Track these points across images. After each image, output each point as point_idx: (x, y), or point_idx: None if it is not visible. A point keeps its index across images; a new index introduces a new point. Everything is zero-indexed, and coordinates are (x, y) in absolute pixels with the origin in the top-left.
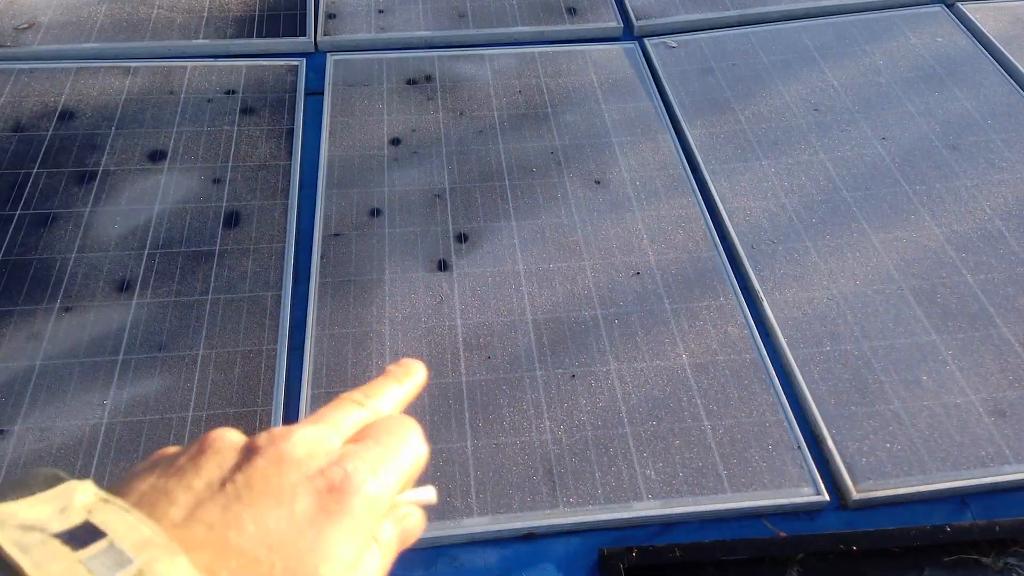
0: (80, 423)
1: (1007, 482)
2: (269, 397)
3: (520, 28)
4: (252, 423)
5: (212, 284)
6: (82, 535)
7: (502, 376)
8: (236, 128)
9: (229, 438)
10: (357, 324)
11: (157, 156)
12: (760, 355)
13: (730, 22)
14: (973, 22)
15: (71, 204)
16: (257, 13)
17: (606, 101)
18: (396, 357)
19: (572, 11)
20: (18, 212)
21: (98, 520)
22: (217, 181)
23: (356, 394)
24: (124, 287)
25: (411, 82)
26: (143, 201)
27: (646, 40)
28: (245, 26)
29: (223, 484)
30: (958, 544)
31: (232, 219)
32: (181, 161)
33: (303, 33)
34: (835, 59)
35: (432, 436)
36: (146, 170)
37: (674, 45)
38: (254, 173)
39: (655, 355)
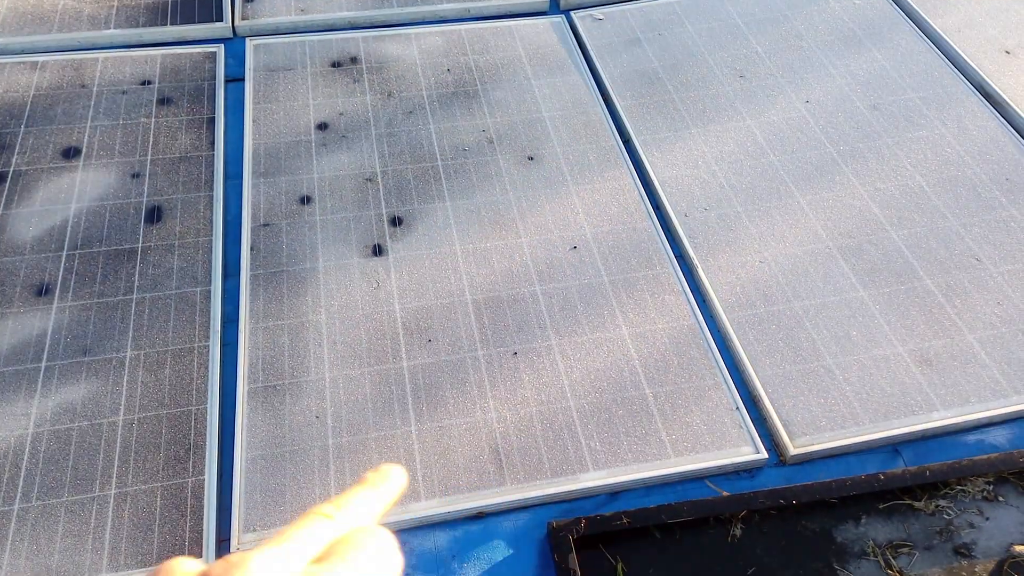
0: (4, 435)
1: (936, 428)
2: (203, 395)
3: (445, 6)
4: (187, 424)
5: (137, 283)
6: None
7: (444, 359)
8: (154, 120)
9: (182, 571)
10: (292, 315)
11: (71, 153)
12: (697, 321)
13: None
14: None
15: None
16: (170, 0)
17: (536, 77)
18: (335, 347)
19: None
20: None
21: None
22: (136, 176)
23: (327, 507)
24: (43, 291)
25: (336, 64)
26: (59, 201)
27: (572, 13)
28: (158, 14)
29: None
30: (891, 491)
31: (154, 214)
32: (97, 157)
33: (220, 18)
34: (758, 26)
35: (375, 423)
36: (60, 168)
37: (600, 17)
38: (175, 165)
39: (595, 327)
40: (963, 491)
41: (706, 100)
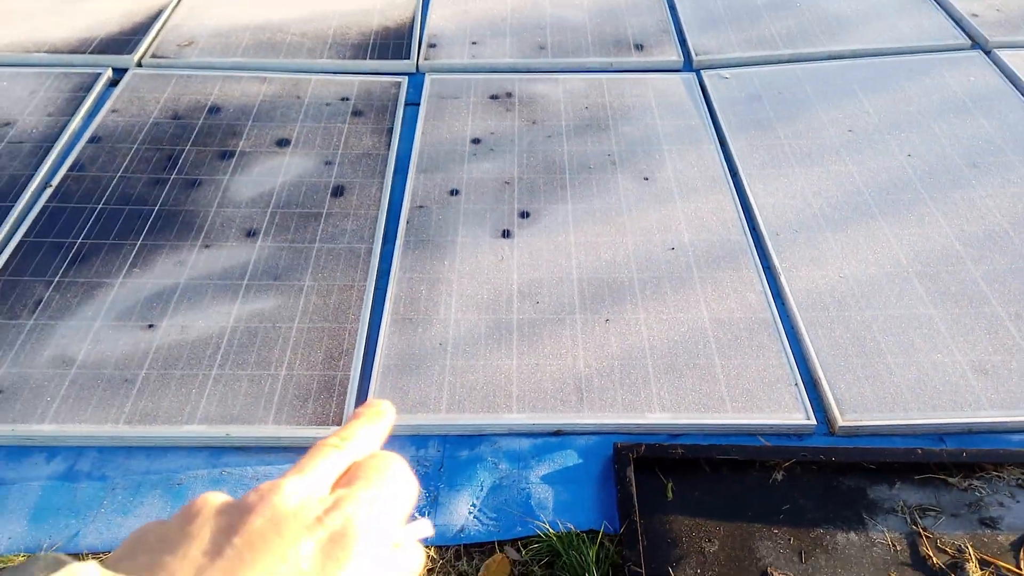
0: (212, 324)
1: (982, 423)
2: (357, 318)
3: (592, 59)
4: (343, 336)
5: (319, 236)
6: None
7: (547, 316)
8: (347, 126)
9: (214, 502)
10: (431, 272)
11: (283, 143)
12: (772, 315)
13: (781, 59)
14: (1007, 64)
15: (214, 173)
16: (371, 41)
17: (661, 118)
18: (463, 300)
19: (639, 47)
20: (172, 176)
21: None
22: (328, 163)
23: (332, 439)
24: (251, 233)
25: (494, 97)
26: (270, 174)
27: (703, 72)
28: (360, 50)
29: (221, 549)
30: (928, 465)
31: (338, 191)
32: (302, 147)
33: (408, 57)
34: (872, 92)
35: (484, 354)
36: (274, 152)
37: (727, 76)
38: (359, 159)
39: (680, 309)
40: (998, 476)
41: (812, 147)
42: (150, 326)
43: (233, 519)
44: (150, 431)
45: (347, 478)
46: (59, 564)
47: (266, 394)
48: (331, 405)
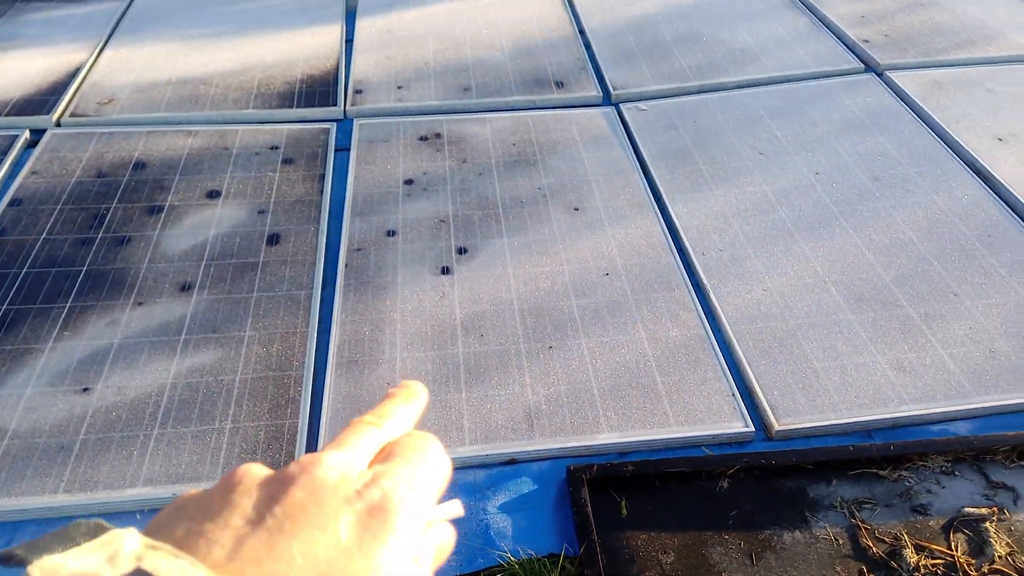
0: (151, 382)
1: (904, 417)
2: (302, 364)
3: (516, 97)
4: (288, 383)
5: (257, 285)
6: None
7: (492, 348)
8: (278, 174)
9: (255, 472)
10: (374, 313)
11: (213, 194)
12: (705, 331)
13: (692, 90)
14: (898, 85)
15: (143, 229)
16: (297, 89)
17: (586, 150)
18: (407, 338)
19: (560, 84)
20: (100, 235)
21: (149, 566)
22: (262, 212)
23: (369, 416)
24: (186, 288)
25: (423, 138)
26: (202, 227)
27: (621, 105)
28: (287, 99)
29: (262, 518)
30: (859, 461)
31: (274, 239)
32: (233, 198)
33: (334, 104)
34: (779, 116)
35: (433, 391)
36: (204, 204)
37: (644, 108)
38: (292, 206)
39: (619, 332)
40: (924, 466)
41: (728, 170)
42: (85, 389)
43: (274, 489)
44: (92, 498)
45: (384, 455)
46: (100, 530)
47: (212, 450)
48: (280, 455)
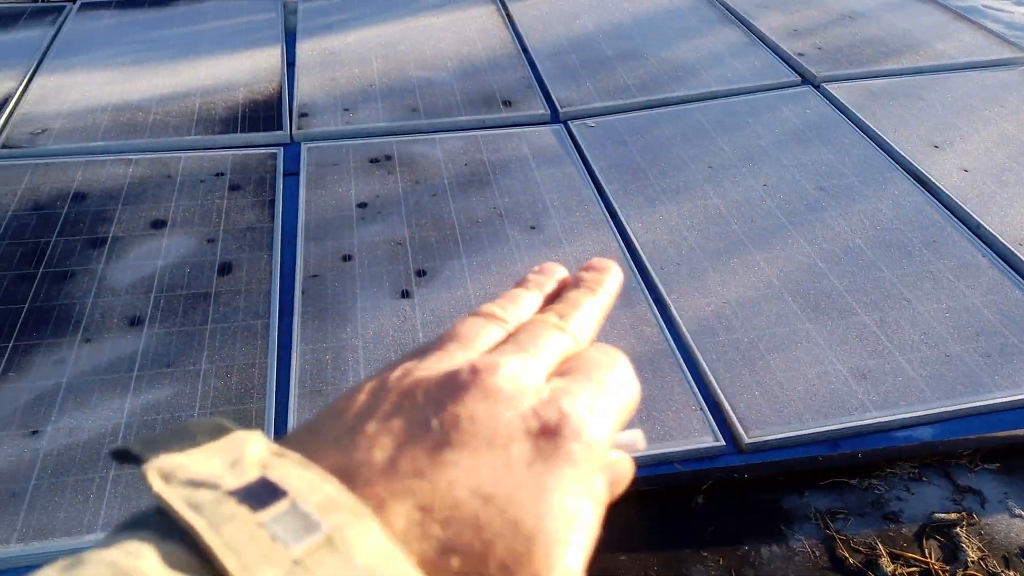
0: (103, 423)
1: (869, 425)
2: (263, 396)
3: (464, 117)
4: (249, 416)
5: (211, 316)
6: (260, 493)
7: None
8: (226, 201)
9: (417, 375)
10: (334, 340)
11: (159, 224)
12: (669, 346)
13: (637, 106)
14: (835, 96)
15: (87, 263)
16: (240, 114)
17: (538, 168)
18: (371, 364)
19: (507, 103)
20: (40, 270)
21: (275, 476)
22: (211, 240)
23: (552, 316)
24: (135, 322)
25: (374, 161)
26: (149, 258)
27: (570, 123)
28: (230, 124)
29: (427, 422)
30: (829, 470)
31: (225, 268)
32: (180, 227)
33: (280, 127)
34: (724, 129)
35: None
36: (150, 235)
37: (593, 125)
38: (243, 234)
39: None
40: (893, 473)
41: (679, 184)
42: (34, 432)
43: (442, 395)
44: (47, 546)
45: (564, 368)
46: (222, 430)
47: None
48: None
